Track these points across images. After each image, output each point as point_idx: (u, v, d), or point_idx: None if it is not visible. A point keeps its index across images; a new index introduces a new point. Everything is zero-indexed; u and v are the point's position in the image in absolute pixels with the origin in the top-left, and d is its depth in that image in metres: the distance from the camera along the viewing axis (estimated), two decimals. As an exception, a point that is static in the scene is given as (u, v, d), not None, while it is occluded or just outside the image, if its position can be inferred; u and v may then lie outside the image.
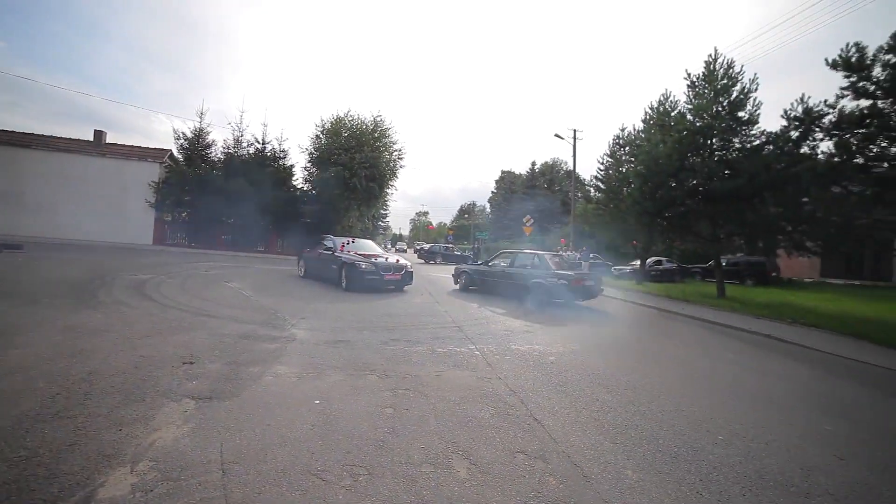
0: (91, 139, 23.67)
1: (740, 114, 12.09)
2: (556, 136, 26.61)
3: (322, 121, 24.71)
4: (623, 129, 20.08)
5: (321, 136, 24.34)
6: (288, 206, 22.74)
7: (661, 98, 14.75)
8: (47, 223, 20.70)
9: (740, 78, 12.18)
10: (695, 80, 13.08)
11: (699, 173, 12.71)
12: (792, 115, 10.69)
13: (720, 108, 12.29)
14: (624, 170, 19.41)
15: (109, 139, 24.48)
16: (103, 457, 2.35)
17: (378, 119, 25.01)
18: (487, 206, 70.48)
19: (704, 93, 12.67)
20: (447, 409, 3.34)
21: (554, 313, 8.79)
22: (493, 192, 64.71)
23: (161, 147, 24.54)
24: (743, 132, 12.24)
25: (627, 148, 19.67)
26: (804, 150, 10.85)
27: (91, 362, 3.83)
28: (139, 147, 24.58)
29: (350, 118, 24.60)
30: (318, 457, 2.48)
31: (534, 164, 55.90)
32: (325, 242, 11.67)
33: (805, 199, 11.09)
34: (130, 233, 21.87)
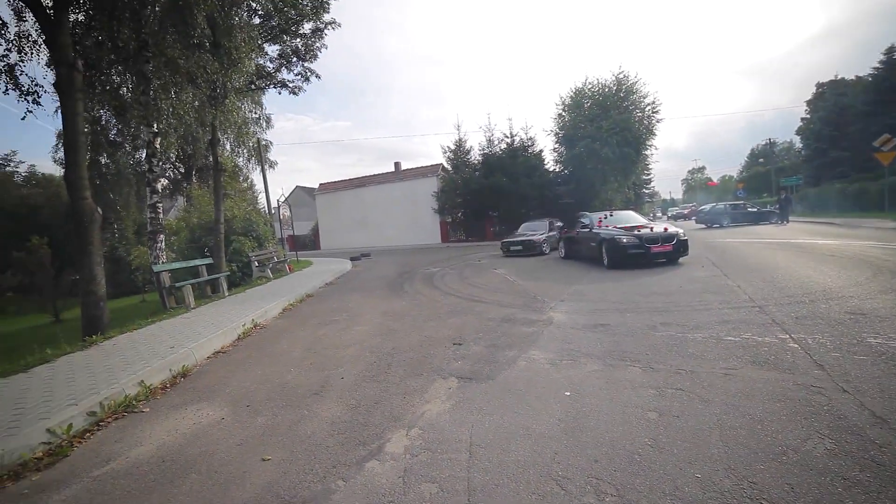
0: (393, 170, 32.11)
1: None
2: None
3: (561, 98, 24.21)
4: None
5: (563, 113, 23.93)
6: (544, 190, 23.69)
7: None
8: (377, 236, 30.21)
9: None
10: None
11: None
12: None
13: None
14: None
15: (402, 166, 32.82)
16: (392, 417, 2.91)
17: (621, 77, 22.42)
18: (797, 139, 50.91)
19: None
20: (742, 426, 2.38)
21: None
22: (803, 118, 46.10)
23: (435, 163, 30.45)
24: None
25: None
26: None
27: (394, 340, 4.95)
28: (421, 167, 31.65)
29: (589, 86, 23.09)
30: (562, 458, 2.22)
31: (891, 49, 35.09)
32: (582, 220, 11.49)
33: None
34: (425, 235, 28.29)
